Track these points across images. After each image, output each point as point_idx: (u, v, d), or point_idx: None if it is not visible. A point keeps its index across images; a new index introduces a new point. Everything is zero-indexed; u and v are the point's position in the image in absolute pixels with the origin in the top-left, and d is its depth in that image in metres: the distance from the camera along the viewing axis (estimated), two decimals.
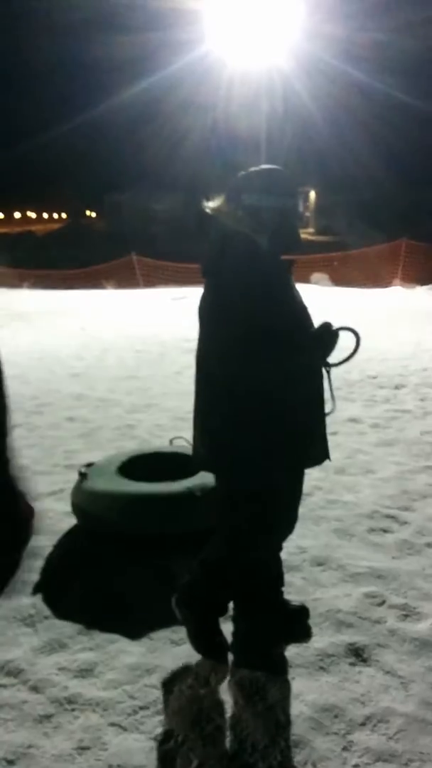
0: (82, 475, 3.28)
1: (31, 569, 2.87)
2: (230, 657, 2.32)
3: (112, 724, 2.04)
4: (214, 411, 2.11)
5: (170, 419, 5.25)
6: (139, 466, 3.41)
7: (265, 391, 2.00)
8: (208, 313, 2.11)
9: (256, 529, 2.15)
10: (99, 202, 47.12)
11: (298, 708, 2.09)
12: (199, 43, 21.42)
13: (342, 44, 28.05)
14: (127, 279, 16.87)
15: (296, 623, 2.47)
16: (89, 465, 3.42)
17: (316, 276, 16.21)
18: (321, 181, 40.76)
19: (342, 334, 2.11)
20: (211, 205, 2.14)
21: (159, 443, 4.65)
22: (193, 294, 14.79)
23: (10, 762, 1.90)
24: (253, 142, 20.89)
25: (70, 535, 3.25)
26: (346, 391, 5.74)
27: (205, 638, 2.32)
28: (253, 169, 2.15)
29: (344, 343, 2.16)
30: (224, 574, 2.28)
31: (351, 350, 2.21)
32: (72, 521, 3.37)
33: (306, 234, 36.80)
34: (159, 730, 2.02)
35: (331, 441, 2.31)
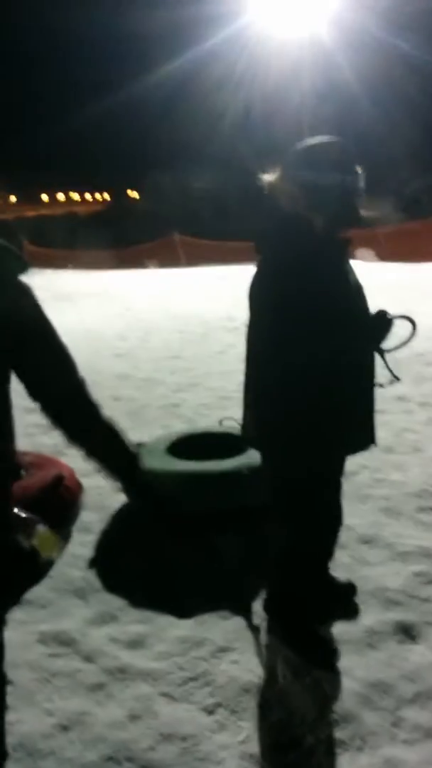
0: None
1: (82, 543, 2.95)
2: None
3: (163, 694, 2.09)
4: (262, 391, 2.09)
5: (215, 398, 5.26)
6: (189, 445, 3.42)
7: (312, 373, 1.97)
8: (256, 293, 2.08)
9: (307, 511, 2.14)
10: (141, 181, 47.17)
11: (346, 683, 2.10)
12: (238, 15, 21.05)
13: (388, 14, 27.08)
14: (169, 258, 16.88)
15: (344, 600, 2.47)
16: (139, 445, 3.45)
17: (361, 252, 15.92)
18: (363, 159, 39.86)
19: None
20: (266, 179, 2.05)
21: (206, 423, 4.68)
22: (236, 272, 14.76)
23: (65, 728, 1.97)
24: (293, 118, 20.54)
25: (119, 512, 3.31)
26: (393, 369, 5.64)
27: (311, 643, 2.27)
28: (311, 141, 2.02)
29: (398, 329, 2.14)
30: (304, 562, 2.23)
31: (406, 337, 2.21)
32: (121, 498, 3.43)
33: None
34: (209, 701, 2.06)
35: (379, 419, 2.28)
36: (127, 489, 1.78)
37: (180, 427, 4.59)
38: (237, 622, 2.40)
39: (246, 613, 2.45)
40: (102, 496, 3.46)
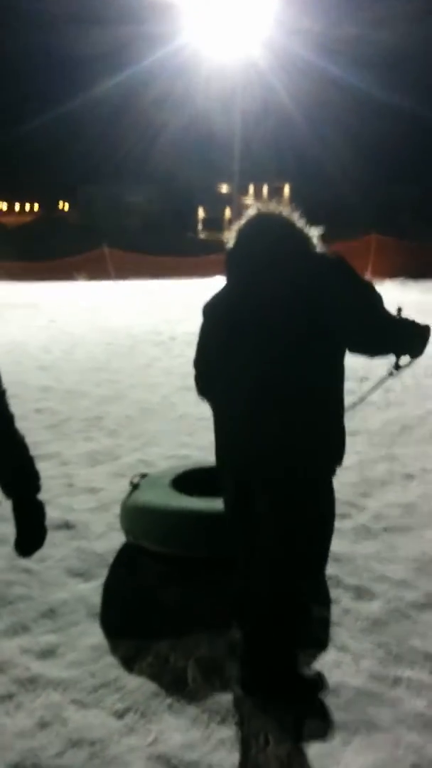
0: (134, 486, 3.05)
1: None
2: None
3: (73, 701, 2.10)
4: (297, 417, 1.97)
5: (139, 411, 5.30)
6: (195, 479, 3.12)
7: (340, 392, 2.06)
8: (288, 322, 1.96)
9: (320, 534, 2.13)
10: (72, 194, 46.71)
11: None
12: (174, 36, 21.40)
13: (318, 38, 28.19)
14: (98, 271, 16.78)
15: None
16: (142, 476, 3.16)
17: None
18: (298, 176, 41.02)
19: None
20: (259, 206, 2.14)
21: (129, 433, 4.71)
22: (165, 287, 14.83)
23: None
24: (229, 136, 20.94)
25: None
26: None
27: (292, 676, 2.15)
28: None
29: None
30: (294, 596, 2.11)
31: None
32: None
33: None
34: (119, 705, 2.08)
35: None
36: (16, 508, 1.81)
37: (103, 439, 4.60)
38: (150, 629, 2.44)
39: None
40: None
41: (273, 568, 2.05)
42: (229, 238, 2.13)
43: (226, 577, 2.32)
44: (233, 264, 2.12)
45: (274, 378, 1.97)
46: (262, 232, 2.07)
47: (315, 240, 2.07)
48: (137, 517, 2.88)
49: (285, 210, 2.10)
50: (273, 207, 2.12)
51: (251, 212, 2.12)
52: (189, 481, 3.09)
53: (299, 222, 2.08)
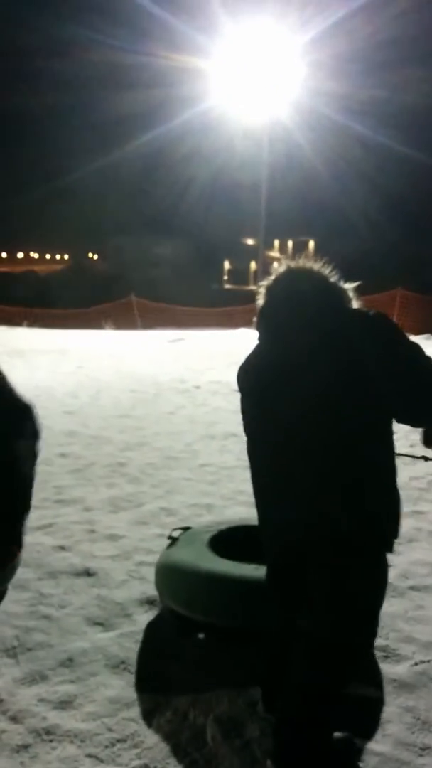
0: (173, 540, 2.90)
1: (17, 601, 2.89)
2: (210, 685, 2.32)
3: (89, 756, 2.04)
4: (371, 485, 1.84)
5: (162, 458, 5.29)
6: (233, 539, 2.90)
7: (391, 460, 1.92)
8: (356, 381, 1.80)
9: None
10: (102, 245, 48.02)
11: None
12: (202, 99, 22.27)
13: (343, 100, 29.22)
14: (125, 320, 17.11)
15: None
16: (175, 531, 3.01)
17: None
18: (323, 231, 41.75)
19: None
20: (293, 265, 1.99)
21: (151, 482, 4.70)
22: (189, 336, 15.00)
23: None
24: (256, 192, 21.46)
25: (57, 570, 3.27)
26: None
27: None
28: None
29: None
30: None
31: None
32: (59, 555, 3.41)
33: None
34: (135, 762, 2.02)
35: None
36: None
37: (126, 486, 4.59)
38: (168, 682, 2.38)
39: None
40: (40, 554, 3.42)
41: (317, 655, 1.84)
42: (259, 296, 2.01)
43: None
44: (263, 325, 1.99)
45: (315, 451, 1.79)
46: (292, 289, 1.93)
47: (351, 294, 1.94)
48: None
49: (315, 265, 1.96)
50: (302, 262, 1.98)
51: (280, 269, 1.99)
52: (225, 541, 2.86)
53: (332, 276, 1.94)
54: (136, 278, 30.73)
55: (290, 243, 45.20)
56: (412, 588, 3.15)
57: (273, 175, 23.02)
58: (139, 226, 42.37)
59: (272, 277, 2.00)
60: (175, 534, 2.95)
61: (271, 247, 43.71)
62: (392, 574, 3.24)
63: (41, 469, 5.26)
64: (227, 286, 41.08)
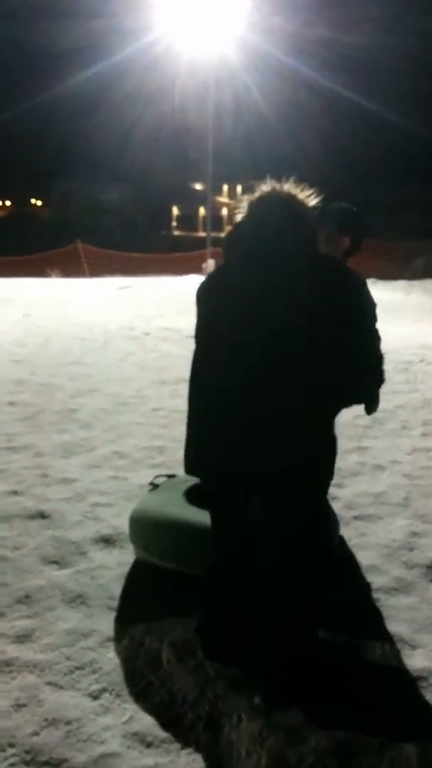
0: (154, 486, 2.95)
1: None
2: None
3: (49, 683, 2.12)
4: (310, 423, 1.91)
5: (113, 404, 5.31)
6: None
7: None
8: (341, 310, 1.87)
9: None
10: (45, 190, 46.25)
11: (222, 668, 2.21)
12: (146, 31, 21.32)
13: (289, 38, 28.44)
14: (72, 268, 16.70)
15: None
16: (153, 485, 3.02)
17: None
18: (270, 176, 41.18)
19: None
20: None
21: (103, 427, 4.71)
22: (138, 283, 14.79)
23: None
24: (202, 134, 20.97)
25: (10, 514, 3.29)
26: None
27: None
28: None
29: None
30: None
31: None
32: (12, 499, 3.43)
33: None
34: (94, 687, 2.11)
35: None
36: None
37: (77, 431, 4.60)
38: (125, 612, 2.47)
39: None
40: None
41: (284, 556, 1.95)
42: (238, 209, 1.99)
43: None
44: (237, 243, 1.97)
45: (275, 378, 1.84)
46: (272, 213, 1.92)
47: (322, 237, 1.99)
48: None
49: (301, 194, 1.97)
50: (288, 187, 1.98)
51: (265, 188, 1.97)
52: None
53: (312, 212, 1.97)
54: (82, 225, 29.88)
55: (239, 188, 44.59)
56: (356, 518, 3.31)
57: (220, 117, 22.53)
58: (83, 172, 40.88)
59: (256, 195, 1.98)
60: (158, 481, 2.97)
61: (219, 192, 42.99)
62: (338, 506, 3.40)
63: None
64: (176, 233, 40.42)
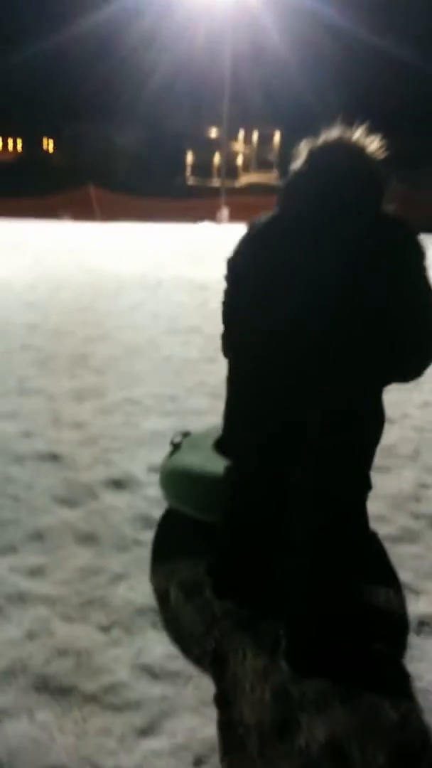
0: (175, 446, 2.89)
1: None
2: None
3: (60, 616, 2.18)
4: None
5: (124, 351, 5.31)
6: None
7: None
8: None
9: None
10: (57, 132, 45.23)
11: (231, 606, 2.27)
12: None
13: None
14: (84, 212, 16.46)
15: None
16: (184, 435, 2.98)
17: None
18: (289, 123, 40.01)
19: None
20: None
21: (113, 373, 4.73)
22: (154, 231, 14.58)
23: None
24: (220, 79, 20.30)
25: (22, 455, 3.34)
26: None
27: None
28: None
29: None
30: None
31: None
32: (24, 441, 3.47)
33: (272, 177, 36.32)
34: (104, 621, 2.17)
35: None
36: None
37: (89, 377, 4.62)
38: (135, 551, 2.53)
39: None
40: (5, 440, 3.47)
41: (315, 512, 1.91)
42: (298, 156, 1.82)
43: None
44: (293, 192, 1.83)
45: (328, 344, 1.78)
46: (338, 165, 1.76)
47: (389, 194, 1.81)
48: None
49: (372, 145, 1.79)
50: (358, 136, 1.79)
51: (332, 135, 1.80)
52: None
53: (380, 167, 1.79)
54: (95, 169, 29.31)
55: (255, 134, 43.41)
56: None
57: (237, 61, 21.72)
58: (97, 115, 39.83)
59: (320, 141, 1.81)
60: (177, 440, 2.92)
61: (235, 138, 41.89)
62: None
63: (3, 360, 5.22)
64: (190, 183, 39.60)
